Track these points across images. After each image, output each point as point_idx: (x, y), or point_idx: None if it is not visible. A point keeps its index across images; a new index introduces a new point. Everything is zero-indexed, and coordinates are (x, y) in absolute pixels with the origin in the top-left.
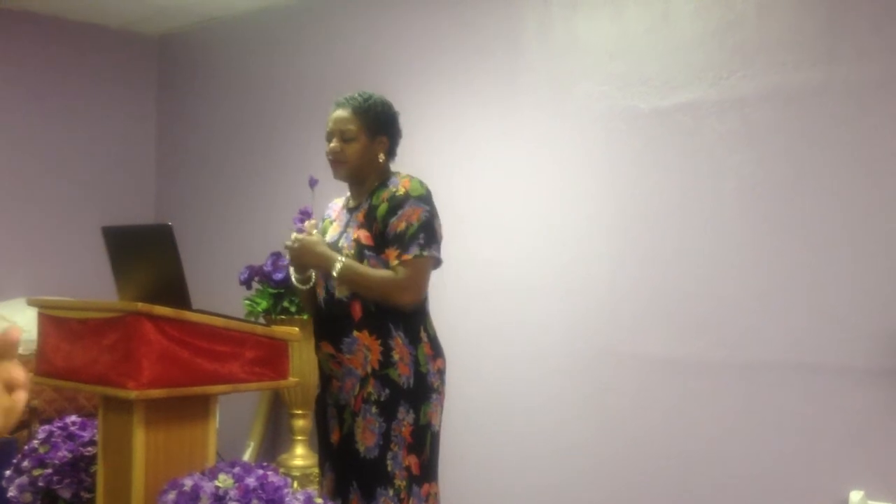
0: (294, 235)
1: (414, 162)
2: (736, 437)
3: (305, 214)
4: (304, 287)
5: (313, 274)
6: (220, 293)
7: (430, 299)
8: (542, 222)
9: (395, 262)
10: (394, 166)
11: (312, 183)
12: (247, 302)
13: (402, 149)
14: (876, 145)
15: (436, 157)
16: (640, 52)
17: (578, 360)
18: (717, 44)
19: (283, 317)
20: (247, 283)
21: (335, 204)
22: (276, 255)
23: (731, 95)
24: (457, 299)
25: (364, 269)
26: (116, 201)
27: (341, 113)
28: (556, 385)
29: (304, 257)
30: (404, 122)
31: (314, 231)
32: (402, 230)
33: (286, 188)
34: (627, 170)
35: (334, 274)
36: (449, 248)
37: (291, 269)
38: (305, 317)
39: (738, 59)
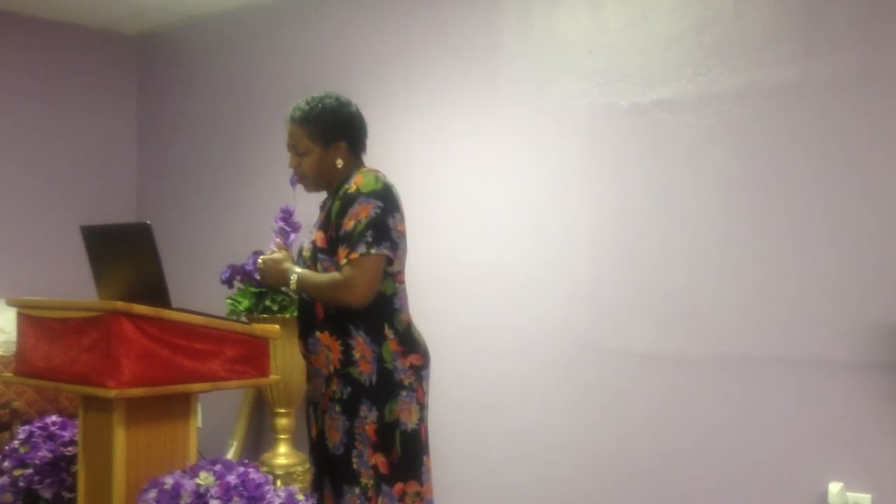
0: (261, 258)
1: (393, 159)
2: (717, 430)
3: (287, 213)
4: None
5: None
6: (202, 292)
7: (412, 297)
8: (522, 219)
9: (343, 262)
10: (372, 163)
11: (293, 182)
12: (229, 301)
13: (382, 147)
14: (853, 139)
15: (416, 155)
16: (620, 49)
17: (562, 356)
18: (696, 40)
19: (265, 315)
20: (228, 283)
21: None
22: (258, 254)
23: (709, 91)
24: (438, 298)
25: (314, 277)
26: (97, 201)
27: (290, 127)
28: (540, 382)
29: (270, 276)
30: (384, 120)
31: (280, 249)
32: (351, 228)
33: (267, 187)
34: (607, 166)
35: (292, 288)
36: (429, 246)
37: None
38: (287, 315)
39: (716, 56)
